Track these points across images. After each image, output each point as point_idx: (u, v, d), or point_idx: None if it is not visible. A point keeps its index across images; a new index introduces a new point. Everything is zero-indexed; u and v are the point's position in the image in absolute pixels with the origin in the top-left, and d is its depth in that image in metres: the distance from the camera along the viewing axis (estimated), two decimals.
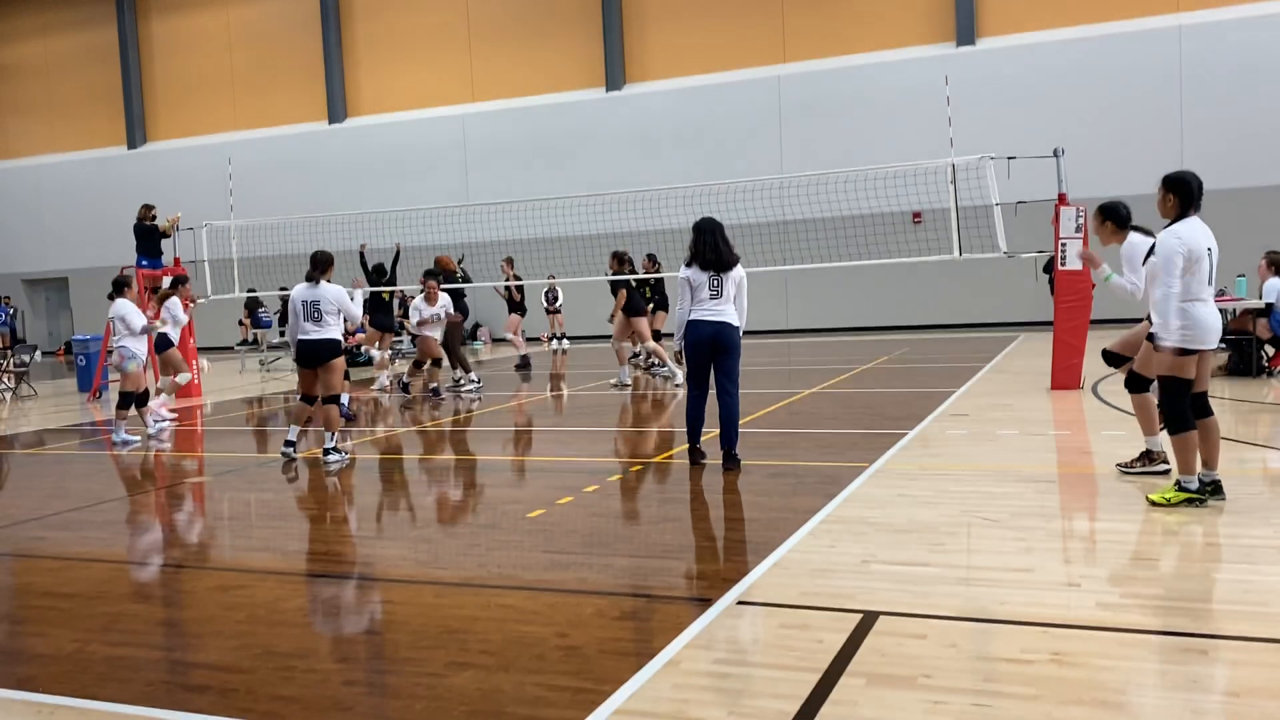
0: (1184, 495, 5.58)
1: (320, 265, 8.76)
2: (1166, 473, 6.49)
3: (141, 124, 31.27)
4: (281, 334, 21.89)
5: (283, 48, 29.35)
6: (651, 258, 15.24)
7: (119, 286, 10.81)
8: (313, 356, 8.62)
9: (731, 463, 7.23)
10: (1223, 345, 9.91)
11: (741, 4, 24.83)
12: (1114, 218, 6.75)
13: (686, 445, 7.64)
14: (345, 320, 8.76)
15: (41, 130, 32.72)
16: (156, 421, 10.99)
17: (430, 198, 25.06)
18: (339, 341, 8.67)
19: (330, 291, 8.63)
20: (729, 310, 7.26)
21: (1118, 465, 6.76)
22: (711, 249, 7.25)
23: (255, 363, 21.10)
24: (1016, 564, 4.72)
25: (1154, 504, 5.61)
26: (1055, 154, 11.91)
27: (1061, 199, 11.71)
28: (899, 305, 23.25)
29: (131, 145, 31.29)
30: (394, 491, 7.49)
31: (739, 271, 7.33)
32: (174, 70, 30.87)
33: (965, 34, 23.04)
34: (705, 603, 4.33)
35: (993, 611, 4.08)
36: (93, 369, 15.82)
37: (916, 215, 19.85)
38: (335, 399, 8.64)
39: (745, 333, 7.42)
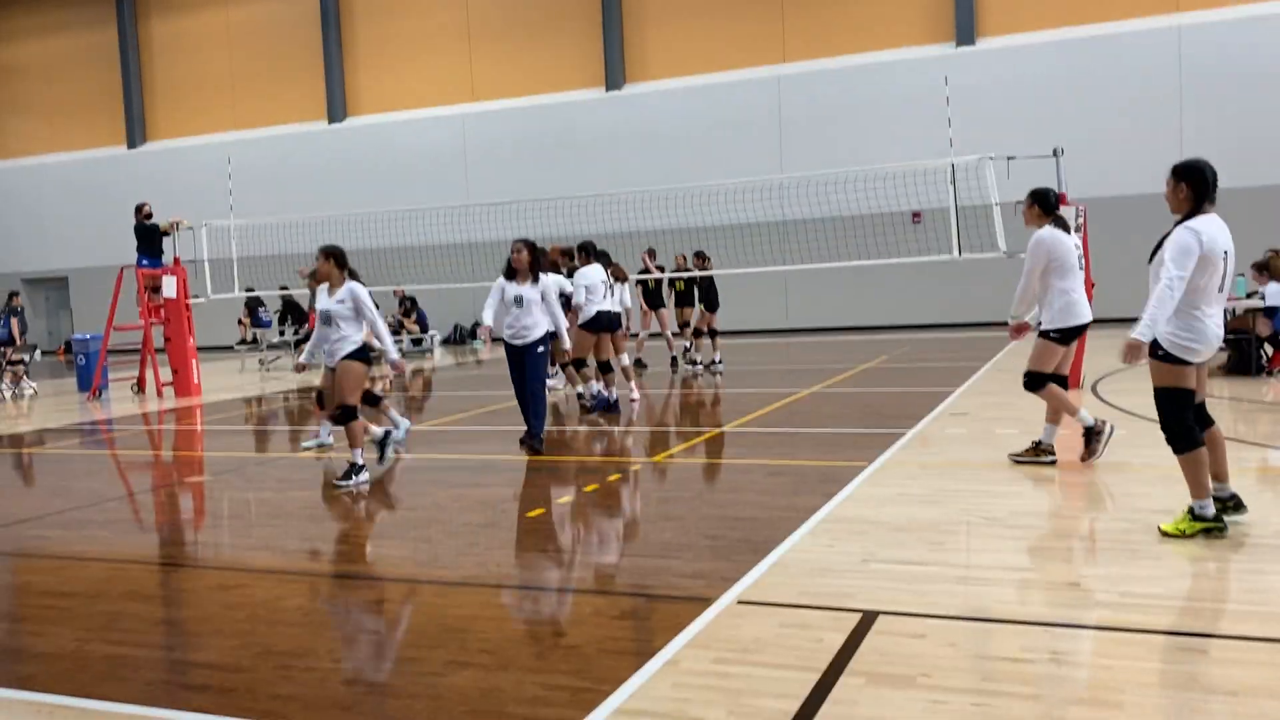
0: (1200, 525, 4.95)
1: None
2: (1053, 463, 6.89)
3: (141, 124, 31.25)
4: (281, 333, 21.88)
5: (283, 48, 29.33)
6: (700, 254, 15.54)
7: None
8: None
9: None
10: (1223, 346, 9.97)
11: (741, 4, 24.82)
12: (1041, 202, 7.02)
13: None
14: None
15: (41, 130, 32.70)
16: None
17: (430, 198, 25.03)
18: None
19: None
20: None
21: (1010, 455, 7.16)
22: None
23: (255, 362, 21.09)
24: (1016, 563, 4.72)
25: (1166, 534, 5.00)
26: (1055, 154, 11.91)
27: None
28: (899, 305, 23.24)
29: (131, 145, 31.27)
30: (394, 491, 7.48)
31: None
32: (174, 70, 30.85)
33: (965, 34, 23.03)
34: (705, 602, 4.33)
35: (992, 610, 4.08)
36: (92, 368, 15.80)
37: (916, 215, 19.84)
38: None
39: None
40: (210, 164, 27.01)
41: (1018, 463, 7.05)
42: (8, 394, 16.28)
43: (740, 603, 4.31)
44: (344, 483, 7.45)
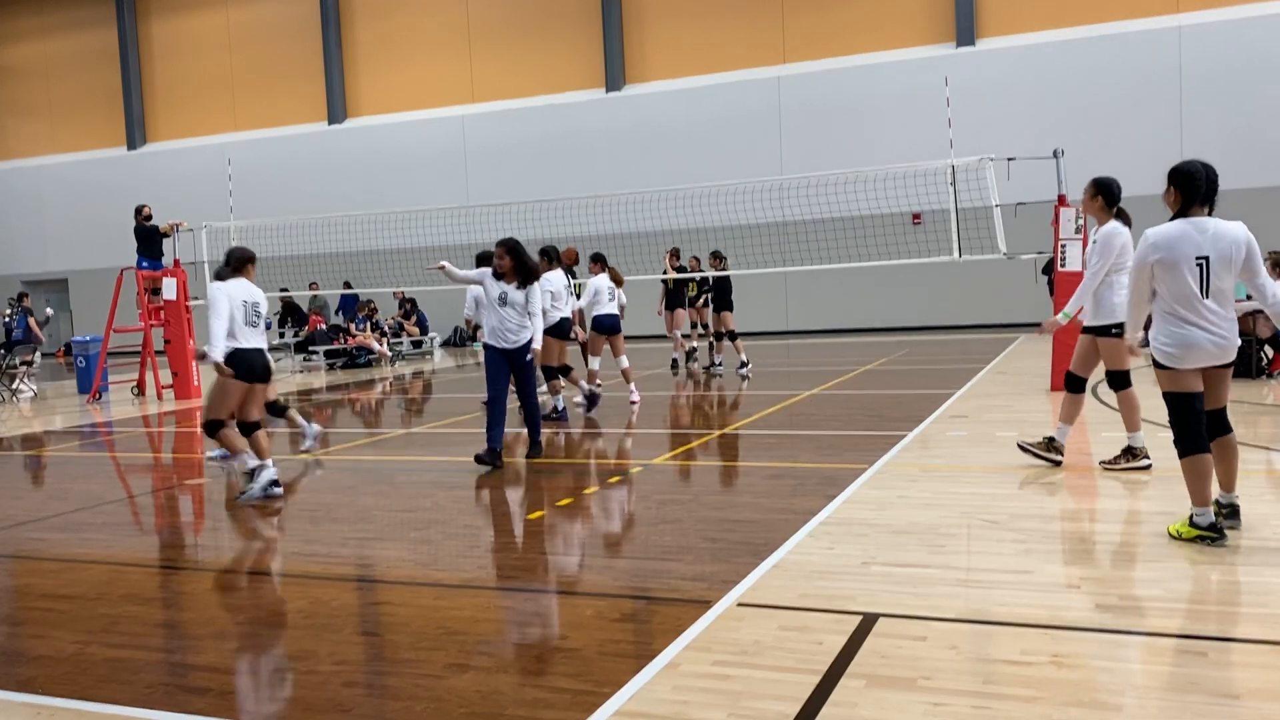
0: (1196, 532, 4.91)
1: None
2: (1148, 468, 6.67)
3: (141, 125, 31.26)
4: (281, 335, 21.87)
5: (283, 49, 29.33)
6: (717, 255, 15.60)
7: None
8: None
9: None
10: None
11: (741, 4, 24.83)
12: (1105, 193, 6.79)
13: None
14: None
15: (41, 131, 32.70)
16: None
17: (430, 198, 25.05)
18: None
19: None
20: None
21: (1101, 463, 6.95)
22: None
23: None
24: (1016, 566, 4.71)
25: (1170, 535, 5.06)
26: (1055, 155, 11.92)
27: (1061, 200, 11.71)
28: (898, 306, 23.24)
29: (131, 146, 31.28)
30: (393, 493, 7.48)
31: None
32: (174, 71, 30.85)
33: (965, 35, 23.03)
34: (705, 604, 4.33)
35: (992, 613, 4.08)
36: (92, 370, 15.80)
37: (916, 216, 19.84)
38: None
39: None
40: (210, 165, 27.02)
41: (1025, 451, 7.02)
42: (8, 396, 16.27)
43: (740, 605, 4.31)
44: (244, 495, 7.21)
